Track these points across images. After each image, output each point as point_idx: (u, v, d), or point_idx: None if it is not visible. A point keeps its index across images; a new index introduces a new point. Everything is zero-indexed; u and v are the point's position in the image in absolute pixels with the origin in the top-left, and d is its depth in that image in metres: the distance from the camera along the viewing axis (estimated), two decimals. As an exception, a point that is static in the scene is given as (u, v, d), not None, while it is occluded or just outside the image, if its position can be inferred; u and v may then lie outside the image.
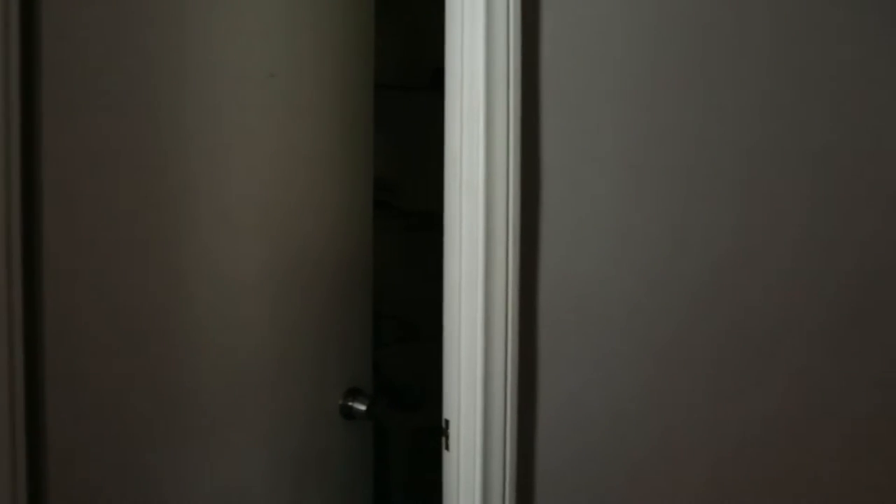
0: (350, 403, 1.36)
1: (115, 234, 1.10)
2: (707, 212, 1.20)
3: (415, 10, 2.36)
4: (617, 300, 1.13)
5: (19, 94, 0.94)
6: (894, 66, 1.38)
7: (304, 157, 1.32)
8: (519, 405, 1.05)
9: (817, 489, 1.34)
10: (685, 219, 1.19)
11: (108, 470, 1.12)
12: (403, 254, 2.10)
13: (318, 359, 1.34)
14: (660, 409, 1.18)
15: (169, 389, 1.19)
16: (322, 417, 1.35)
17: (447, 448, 1.13)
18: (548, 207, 1.06)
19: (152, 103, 1.13)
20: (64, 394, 1.05)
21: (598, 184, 1.11)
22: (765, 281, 1.26)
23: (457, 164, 1.06)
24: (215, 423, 1.24)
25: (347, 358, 1.39)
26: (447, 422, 1.13)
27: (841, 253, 1.34)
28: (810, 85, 1.29)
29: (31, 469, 0.99)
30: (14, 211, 0.95)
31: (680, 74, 1.17)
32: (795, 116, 1.28)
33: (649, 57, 1.14)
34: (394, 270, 2.11)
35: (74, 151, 1.05)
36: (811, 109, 1.30)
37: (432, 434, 1.23)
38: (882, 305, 1.41)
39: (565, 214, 1.08)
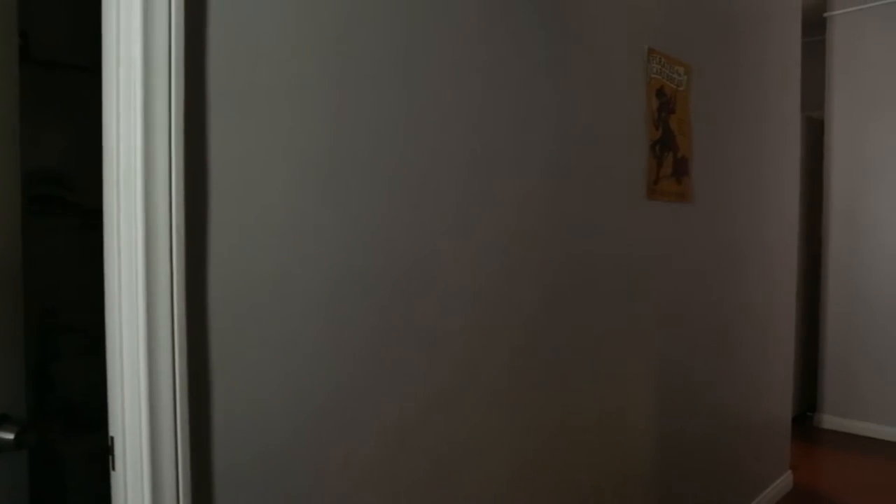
0: (-8, 434, 1.15)
1: None
2: (396, 211, 1.27)
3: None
4: (301, 300, 1.13)
5: None
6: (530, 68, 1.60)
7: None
8: (191, 416, 0.99)
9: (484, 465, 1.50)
10: (375, 218, 1.24)
11: None
12: (86, 256, 1.86)
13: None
14: (347, 408, 1.21)
15: None
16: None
17: (113, 468, 1.03)
18: (219, 205, 1.01)
19: None
20: None
21: (279, 180, 1.09)
22: (455, 281, 1.38)
23: (113, 156, 0.96)
24: None
25: (-9, 380, 1.17)
26: (112, 439, 1.03)
27: (531, 253, 1.54)
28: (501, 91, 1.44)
29: None
30: None
31: (367, 73, 1.21)
32: (456, 115, 1.42)
33: (336, 53, 1.16)
34: (73, 275, 1.86)
35: None
36: (465, 112, 1.45)
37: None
38: (558, 304, 1.64)
39: (240, 212, 1.04)
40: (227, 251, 1.03)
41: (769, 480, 3.05)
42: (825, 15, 4.11)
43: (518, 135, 1.56)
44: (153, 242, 0.93)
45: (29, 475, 1.26)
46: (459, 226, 1.42)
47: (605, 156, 1.86)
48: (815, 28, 4.21)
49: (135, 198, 0.93)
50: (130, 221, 0.93)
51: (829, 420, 4.14)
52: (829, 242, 4.14)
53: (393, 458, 1.30)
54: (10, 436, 1.16)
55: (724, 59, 2.51)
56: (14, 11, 1.22)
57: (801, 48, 3.30)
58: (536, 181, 1.62)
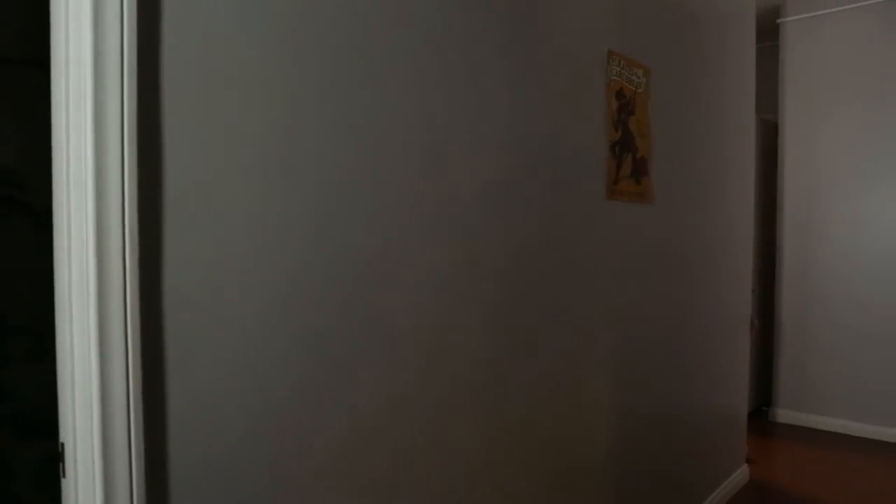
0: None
1: None
2: (353, 205, 1.26)
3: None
4: (260, 297, 1.12)
5: None
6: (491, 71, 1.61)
7: None
8: (146, 421, 0.97)
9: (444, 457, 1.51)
10: (332, 213, 1.23)
11: None
12: (40, 257, 1.80)
13: None
14: (307, 403, 1.20)
15: None
16: None
17: (64, 475, 1.01)
18: (174, 203, 1.00)
19: None
20: None
21: (236, 177, 1.08)
22: (414, 275, 1.38)
23: (63, 155, 0.93)
24: None
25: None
26: (63, 445, 1.00)
27: (491, 250, 1.55)
28: (455, 92, 1.44)
29: None
30: None
31: (323, 71, 1.20)
32: (411, 116, 1.42)
33: (293, 50, 1.15)
34: (24, 276, 1.80)
35: None
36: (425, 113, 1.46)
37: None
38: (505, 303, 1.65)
39: (197, 210, 1.03)
40: (183, 250, 1.01)
41: (726, 474, 3.12)
42: (778, 21, 4.23)
43: (476, 134, 1.57)
44: (105, 242, 0.91)
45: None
46: (418, 221, 1.42)
47: (566, 156, 1.88)
48: (768, 33, 4.33)
49: (86, 197, 0.91)
50: (81, 221, 0.91)
51: (784, 414, 4.27)
52: (783, 242, 4.26)
53: (355, 452, 1.29)
54: (-45, 444, 1.12)
55: (681, 62, 2.57)
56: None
57: (756, 52, 3.39)
58: (495, 179, 1.63)
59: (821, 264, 4.11)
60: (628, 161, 2.16)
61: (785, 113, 4.23)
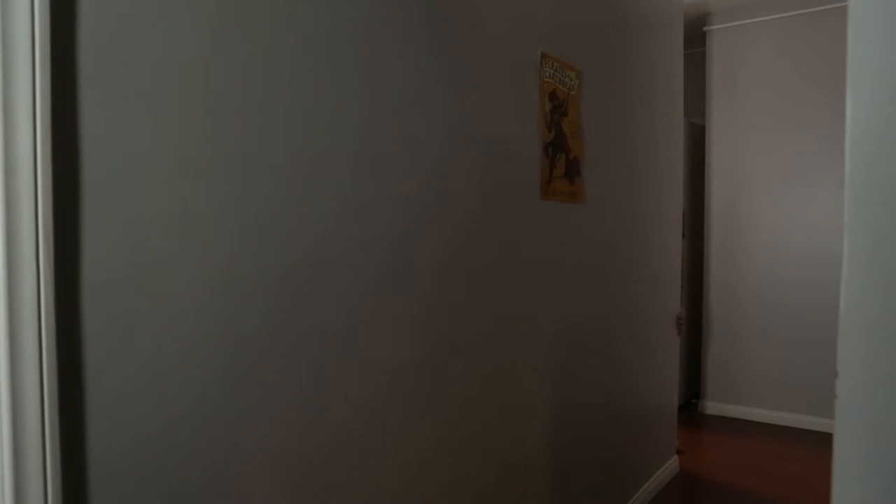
0: None
1: None
2: (280, 207, 1.24)
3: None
4: (185, 297, 1.09)
5: None
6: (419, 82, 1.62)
7: None
8: (62, 431, 0.93)
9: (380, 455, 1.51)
10: (258, 214, 1.21)
11: None
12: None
13: None
14: (232, 404, 1.18)
15: None
16: None
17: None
18: (93, 203, 0.96)
19: None
20: None
21: (159, 175, 1.05)
22: (338, 276, 1.37)
23: (-31, 150, 0.88)
24: None
25: None
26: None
27: (424, 249, 1.55)
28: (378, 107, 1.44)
29: None
30: None
31: (248, 70, 1.18)
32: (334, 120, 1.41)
33: (218, 48, 1.12)
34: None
35: None
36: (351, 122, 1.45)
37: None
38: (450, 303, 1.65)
39: (117, 210, 0.99)
40: (102, 252, 0.97)
41: (658, 465, 3.23)
42: (705, 29, 4.41)
43: (408, 133, 1.57)
44: (15, 245, 0.87)
45: None
46: (347, 221, 1.41)
47: (500, 156, 1.91)
48: (696, 41, 4.51)
49: (-7, 195, 0.86)
50: (-11, 220, 0.86)
51: (712, 406, 4.45)
52: (711, 242, 4.44)
53: (283, 452, 1.27)
54: None
55: (613, 66, 2.64)
56: None
57: (684, 59, 3.52)
58: (428, 179, 1.64)
59: (745, 264, 4.31)
60: (562, 162, 2.21)
61: (712, 117, 4.41)
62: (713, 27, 4.37)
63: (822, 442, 3.83)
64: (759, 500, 3.09)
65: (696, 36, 4.46)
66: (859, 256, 0.84)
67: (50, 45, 0.90)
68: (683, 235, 3.68)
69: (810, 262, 4.05)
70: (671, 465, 3.37)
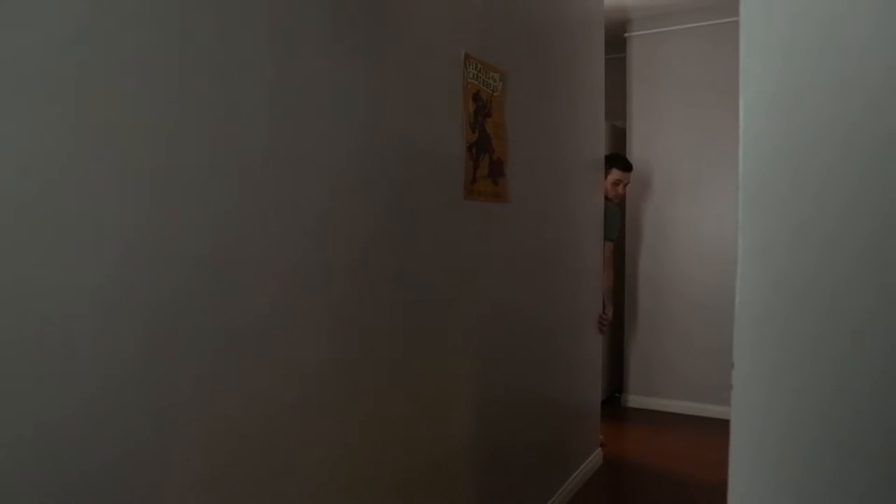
0: None
1: None
2: (186, 206, 1.20)
3: None
4: (78, 301, 1.04)
5: None
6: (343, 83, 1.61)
7: None
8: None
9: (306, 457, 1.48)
10: (164, 214, 1.16)
11: None
12: None
13: None
14: (135, 409, 1.13)
15: None
16: None
17: None
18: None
19: None
20: None
21: (39, 177, 1.00)
22: (249, 276, 1.34)
23: None
24: None
25: None
26: None
27: (343, 250, 1.53)
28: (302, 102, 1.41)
29: None
30: None
31: (125, 69, 1.14)
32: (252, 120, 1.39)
33: (89, 46, 1.08)
34: None
35: None
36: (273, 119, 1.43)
37: None
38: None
39: (3, 213, 0.94)
40: (-9, 253, 0.91)
41: (582, 458, 3.32)
42: (626, 35, 4.57)
43: (327, 132, 1.56)
44: None
45: None
46: (259, 220, 1.38)
47: (424, 156, 1.91)
48: (617, 46, 4.65)
49: None
50: None
51: (633, 399, 4.61)
52: (632, 241, 4.60)
53: (192, 457, 1.23)
54: None
55: (536, 69, 2.70)
56: None
57: (606, 63, 3.63)
58: (348, 178, 1.62)
59: (666, 262, 4.49)
60: (485, 162, 2.24)
61: (632, 120, 4.57)
62: (633, 33, 4.53)
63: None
64: (674, 484, 3.23)
65: (617, 41, 4.61)
66: (751, 256, 0.89)
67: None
68: (612, 238, 3.79)
69: (722, 261, 4.26)
70: (595, 457, 3.47)
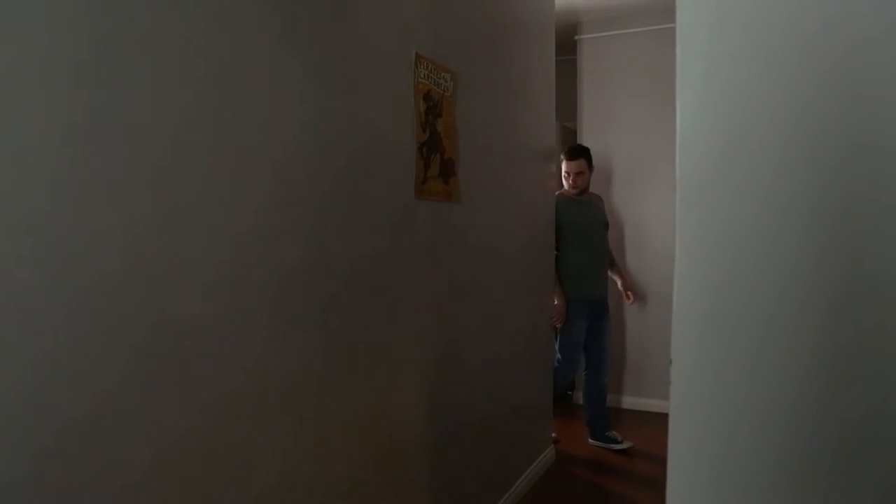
0: None
1: None
2: (119, 207, 1.17)
3: None
4: (13, 302, 1.00)
5: None
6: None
7: None
8: None
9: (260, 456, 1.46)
10: (99, 209, 1.13)
11: None
12: None
13: None
14: (79, 414, 1.10)
15: None
16: None
17: None
18: None
19: None
20: None
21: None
22: (193, 278, 1.31)
23: None
24: None
25: None
26: None
27: (292, 250, 1.50)
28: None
29: None
30: None
31: (84, 57, 1.10)
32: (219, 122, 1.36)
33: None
34: None
35: None
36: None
37: None
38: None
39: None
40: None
41: (536, 454, 3.36)
42: (576, 38, 4.64)
43: (272, 131, 1.54)
44: None
45: None
46: (201, 221, 1.35)
47: (373, 156, 1.90)
48: (568, 48, 4.72)
49: None
50: None
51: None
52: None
53: (147, 457, 1.20)
54: None
55: (487, 70, 2.71)
56: None
57: (557, 65, 3.68)
58: (293, 178, 1.60)
59: (619, 260, 4.57)
60: (436, 161, 2.24)
61: (582, 121, 4.64)
62: (584, 36, 4.60)
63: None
64: (622, 475, 3.30)
65: (568, 44, 4.68)
66: (687, 254, 0.91)
67: None
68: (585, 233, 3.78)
69: (670, 258, 4.36)
70: (548, 453, 3.52)
